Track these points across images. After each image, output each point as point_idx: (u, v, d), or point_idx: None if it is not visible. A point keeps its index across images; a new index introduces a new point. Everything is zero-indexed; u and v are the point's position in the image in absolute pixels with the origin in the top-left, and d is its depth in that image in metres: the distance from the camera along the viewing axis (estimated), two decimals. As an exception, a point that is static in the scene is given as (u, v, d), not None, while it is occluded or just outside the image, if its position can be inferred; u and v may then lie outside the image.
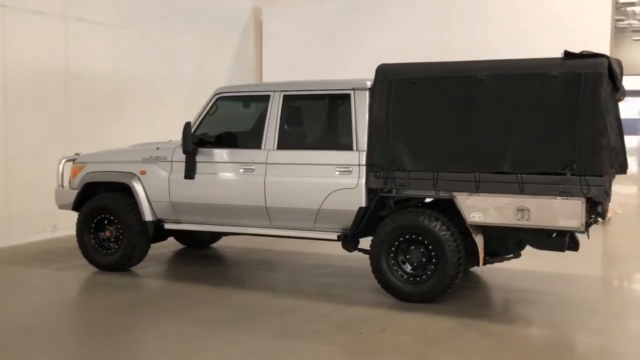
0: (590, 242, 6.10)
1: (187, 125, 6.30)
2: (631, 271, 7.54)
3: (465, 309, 5.65)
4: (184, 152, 6.34)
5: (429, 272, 5.71)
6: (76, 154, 7.40)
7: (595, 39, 10.15)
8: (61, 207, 7.25)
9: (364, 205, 5.90)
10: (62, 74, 8.95)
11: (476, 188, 5.46)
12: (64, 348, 4.84)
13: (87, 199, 7.02)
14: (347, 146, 5.98)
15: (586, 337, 5.14)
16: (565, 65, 5.29)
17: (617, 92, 5.22)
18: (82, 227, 6.96)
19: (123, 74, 9.84)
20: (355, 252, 6.22)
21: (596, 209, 5.28)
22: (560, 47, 9.80)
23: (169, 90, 10.82)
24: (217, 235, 8.09)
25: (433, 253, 5.65)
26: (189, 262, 7.66)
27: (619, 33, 32.24)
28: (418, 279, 5.76)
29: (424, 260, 5.76)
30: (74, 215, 7.10)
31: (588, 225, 5.30)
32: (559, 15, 10.61)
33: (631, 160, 8.93)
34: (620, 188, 12.45)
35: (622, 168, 5.23)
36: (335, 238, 6.08)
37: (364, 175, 5.86)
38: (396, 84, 5.77)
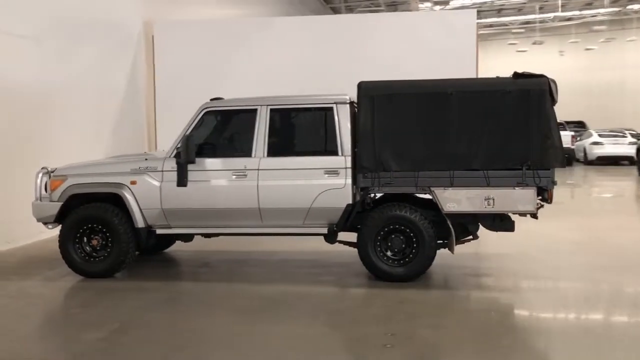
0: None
1: (190, 138, 6.87)
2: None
3: (436, 283, 6.91)
4: (188, 162, 6.89)
5: (410, 256, 6.83)
6: (43, 167, 7.57)
7: (462, 59, 11.91)
8: (40, 220, 7.40)
9: (350, 202, 6.89)
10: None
11: (451, 183, 6.70)
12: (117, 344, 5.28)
13: (67, 211, 7.29)
14: (333, 152, 6.94)
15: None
16: (517, 83, 6.70)
17: (554, 103, 6.72)
18: (67, 238, 7.20)
19: (35, 88, 9.87)
20: (296, 247, 7.29)
21: (542, 196, 6.74)
22: (432, 68, 11.44)
23: (79, 103, 10.97)
24: (170, 241, 8.59)
25: (414, 239, 6.79)
26: (161, 266, 8.10)
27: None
28: (402, 262, 6.86)
29: (403, 246, 6.89)
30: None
31: (537, 208, 6.75)
32: (431, 40, 12.22)
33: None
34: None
35: (562, 163, 6.73)
36: (325, 232, 7.02)
37: (350, 177, 6.87)
38: (377, 98, 6.84)
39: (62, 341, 5.31)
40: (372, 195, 7.11)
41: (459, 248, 7.33)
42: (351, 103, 7.06)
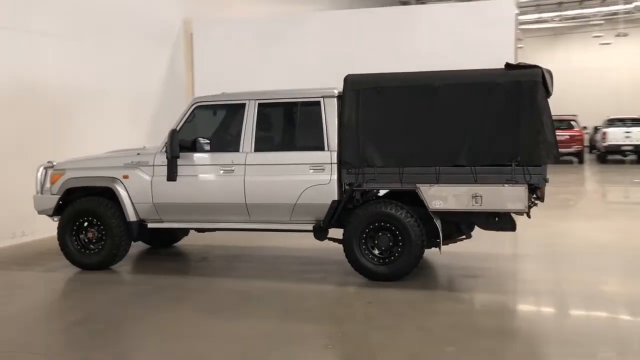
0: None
1: (174, 132, 6.89)
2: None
3: (428, 283, 6.63)
4: (172, 157, 6.91)
5: (396, 254, 6.58)
6: (49, 161, 7.77)
7: (500, 52, 11.39)
8: (41, 212, 7.60)
9: (336, 198, 6.71)
10: (9, 85, 9.22)
11: (437, 180, 6.41)
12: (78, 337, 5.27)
13: (66, 204, 7.46)
14: (319, 147, 6.77)
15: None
16: (508, 75, 6.33)
17: (549, 95, 6.31)
18: (65, 230, 7.36)
19: (69, 85, 10.19)
20: (299, 243, 7.22)
21: (535, 194, 6.35)
22: (472, 60, 10.93)
23: (112, 100, 11.26)
24: (179, 235, 8.68)
25: (400, 237, 6.54)
26: (163, 260, 8.13)
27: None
28: (387, 260, 6.63)
29: (390, 244, 6.64)
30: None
31: (529, 207, 6.35)
32: (469, 31, 11.77)
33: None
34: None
35: (556, 159, 6.30)
36: (311, 229, 6.87)
37: (336, 172, 6.69)
38: (363, 92, 6.63)
39: (19, 330, 5.39)
40: (375, 191, 6.95)
41: (471, 247, 7.17)
42: (339, 97, 6.88)
